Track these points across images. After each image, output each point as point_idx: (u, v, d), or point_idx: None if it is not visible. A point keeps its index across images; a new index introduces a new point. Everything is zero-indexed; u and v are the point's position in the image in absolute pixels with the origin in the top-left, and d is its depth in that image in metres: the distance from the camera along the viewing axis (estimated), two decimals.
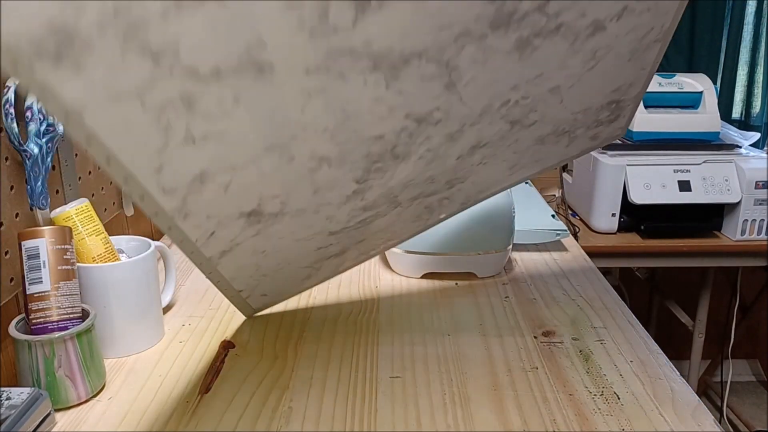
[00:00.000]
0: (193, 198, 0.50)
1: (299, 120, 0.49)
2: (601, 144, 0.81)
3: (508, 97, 0.58)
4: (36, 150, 0.65)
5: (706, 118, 1.71)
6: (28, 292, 0.59)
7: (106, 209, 0.87)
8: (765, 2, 1.79)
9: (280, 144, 0.51)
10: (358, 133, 0.53)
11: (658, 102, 1.68)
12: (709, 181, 1.65)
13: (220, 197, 0.52)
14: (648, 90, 1.72)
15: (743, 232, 1.62)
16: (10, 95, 0.63)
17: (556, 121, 0.66)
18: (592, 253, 0.95)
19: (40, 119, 0.66)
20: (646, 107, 1.71)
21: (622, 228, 1.69)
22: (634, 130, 1.72)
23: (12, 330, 0.58)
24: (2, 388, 0.55)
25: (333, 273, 0.78)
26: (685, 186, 1.65)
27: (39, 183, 0.66)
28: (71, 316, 0.60)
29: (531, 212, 1.00)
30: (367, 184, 0.59)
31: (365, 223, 0.65)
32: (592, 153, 1.81)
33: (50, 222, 0.66)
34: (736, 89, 2.05)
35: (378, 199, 0.62)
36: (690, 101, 1.72)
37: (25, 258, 0.59)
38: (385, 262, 0.89)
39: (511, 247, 0.87)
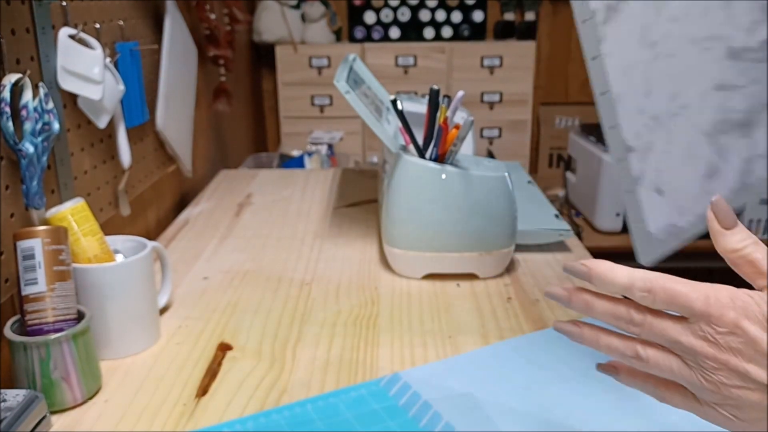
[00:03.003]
0: None
1: None
2: None
3: None
4: (31, 149, 0.64)
5: None
6: (23, 293, 0.58)
7: (102, 209, 0.86)
8: None
9: None
10: None
11: None
12: None
13: None
14: None
15: None
16: (6, 94, 0.62)
17: None
18: (596, 254, 0.93)
19: (35, 118, 0.65)
20: None
21: (627, 228, 1.67)
22: None
23: (7, 331, 0.58)
24: None
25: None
26: None
27: (34, 182, 0.65)
28: (67, 317, 0.59)
29: (534, 212, 0.99)
30: None
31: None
32: (595, 152, 1.80)
33: (46, 222, 0.66)
34: None
35: None
36: None
37: (20, 259, 0.58)
38: (385, 263, 0.89)
39: (513, 247, 0.86)
